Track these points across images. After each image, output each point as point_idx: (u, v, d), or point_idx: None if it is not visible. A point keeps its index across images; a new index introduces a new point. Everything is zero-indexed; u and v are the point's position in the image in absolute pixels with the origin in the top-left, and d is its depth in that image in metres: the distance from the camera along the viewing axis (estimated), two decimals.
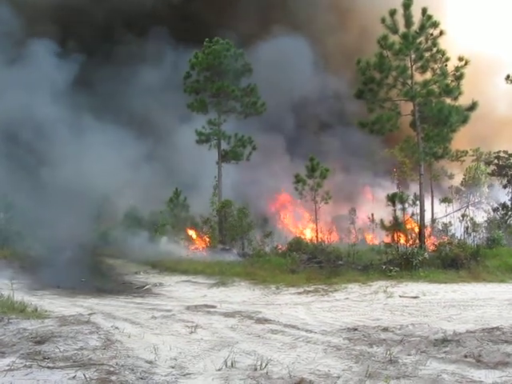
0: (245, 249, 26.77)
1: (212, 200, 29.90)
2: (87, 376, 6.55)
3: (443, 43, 21.67)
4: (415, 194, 24.01)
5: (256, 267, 21.40)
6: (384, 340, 8.74)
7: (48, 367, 7.00)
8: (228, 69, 30.48)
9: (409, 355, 7.67)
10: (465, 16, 41.90)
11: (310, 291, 16.13)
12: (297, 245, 24.58)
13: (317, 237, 25.84)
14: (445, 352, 7.76)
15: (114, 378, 6.63)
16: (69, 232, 31.23)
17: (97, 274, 23.37)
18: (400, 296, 14.51)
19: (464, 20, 40.83)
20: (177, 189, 30.48)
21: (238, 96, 30.62)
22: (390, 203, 20.64)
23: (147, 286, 19.23)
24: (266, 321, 11.03)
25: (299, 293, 16.08)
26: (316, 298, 15.04)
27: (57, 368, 6.96)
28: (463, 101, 21.44)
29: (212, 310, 13.01)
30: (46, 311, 12.40)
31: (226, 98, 30.86)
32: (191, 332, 9.72)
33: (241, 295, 16.46)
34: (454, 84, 21.24)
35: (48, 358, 7.43)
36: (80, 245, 30.57)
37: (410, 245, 20.12)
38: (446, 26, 21.90)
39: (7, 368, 6.91)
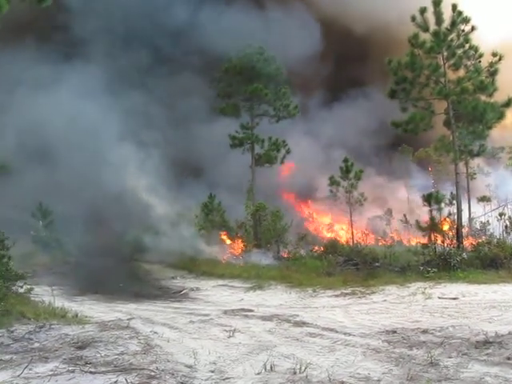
0: (280, 252, 26.74)
1: (246, 204, 29.95)
2: (129, 381, 6.65)
3: (475, 39, 21.37)
4: (451, 193, 23.70)
5: (292, 270, 21.34)
6: (424, 342, 8.66)
7: (90, 372, 7.14)
8: (261, 72, 30.60)
9: (450, 358, 7.59)
10: (496, 9, 40.89)
11: (347, 294, 16.04)
12: (332, 247, 24.47)
13: (352, 239, 25.70)
14: (487, 354, 7.66)
15: (154, 382, 6.73)
16: (106, 237, 31.59)
17: (134, 279, 23.58)
18: (439, 297, 14.31)
19: (496, 13, 39.86)
20: (211, 194, 30.60)
21: (271, 99, 30.69)
22: (425, 203, 20.41)
23: (184, 291, 19.35)
24: (303, 324, 11.04)
25: (336, 295, 16.00)
26: (353, 300, 14.96)
27: (99, 373, 7.09)
28: (499, 97, 21.14)
29: (249, 313, 13.05)
30: (86, 317, 12.64)
31: (259, 101, 30.96)
32: (229, 336, 9.79)
33: (277, 298, 16.45)
34: (488, 80, 20.91)
35: (90, 363, 7.57)
36: (117, 250, 30.89)
37: (447, 245, 19.85)
38: (478, 21, 21.54)
39: (51, 373, 7.07)
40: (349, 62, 45.37)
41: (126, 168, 32.90)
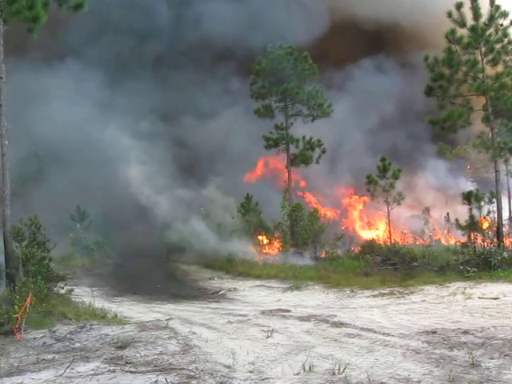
0: (317, 252, 26.64)
1: (283, 204, 29.90)
2: (168, 380, 6.73)
3: None
4: (491, 191, 23.24)
5: (329, 270, 21.26)
6: (465, 343, 8.53)
7: (131, 372, 7.25)
8: (292, 72, 30.49)
9: (492, 359, 7.46)
10: None
11: (385, 294, 15.88)
12: (370, 247, 24.29)
13: (390, 238, 25.43)
14: None
15: (194, 382, 6.79)
16: (143, 239, 32.00)
17: (172, 280, 23.81)
18: (479, 297, 14.04)
19: None
20: (248, 194, 30.66)
21: (304, 99, 30.56)
22: (465, 202, 20.09)
23: (222, 292, 19.43)
24: (341, 324, 10.99)
25: (374, 295, 15.86)
26: (392, 300, 14.80)
27: (139, 372, 7.20)
28: None
29: (287, 314, 13.05)
30: (125, 317, 12.84)
31: (292, 101, 30.87)
32: (267, 336, 9.80)
33: (315, 299, 16.39)
34: None
35: (130, 363, 7.69)
36: (154, 251, 31.27)
37: (487, 244, 19.49)
38: None
39: (92, 372, 7.21)
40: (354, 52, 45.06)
41: (143, 167, 33.34)
